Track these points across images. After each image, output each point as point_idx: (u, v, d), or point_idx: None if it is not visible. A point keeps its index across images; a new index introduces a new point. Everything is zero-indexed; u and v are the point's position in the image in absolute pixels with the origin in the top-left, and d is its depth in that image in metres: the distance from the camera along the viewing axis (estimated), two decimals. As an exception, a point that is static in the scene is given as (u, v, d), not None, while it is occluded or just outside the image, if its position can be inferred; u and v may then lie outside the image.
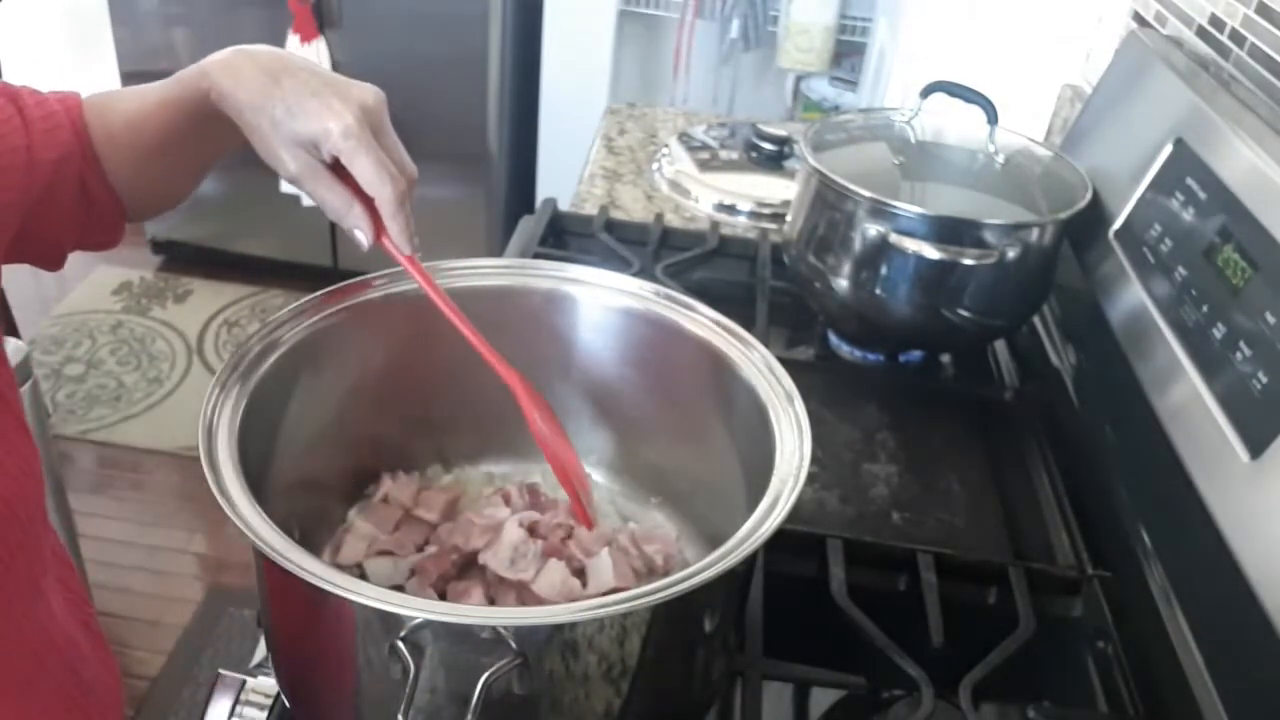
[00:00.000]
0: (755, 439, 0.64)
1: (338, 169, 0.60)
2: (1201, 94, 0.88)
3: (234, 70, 0.60)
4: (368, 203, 0.61)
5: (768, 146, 1.45)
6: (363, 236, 0.62)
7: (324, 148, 0.59)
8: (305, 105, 0.58)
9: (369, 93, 0.60)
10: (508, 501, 0.72)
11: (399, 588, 0.68)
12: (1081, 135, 1.10)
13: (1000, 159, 1.02)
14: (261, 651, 0.68)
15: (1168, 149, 0.89)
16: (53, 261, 0.70)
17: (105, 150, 0.65)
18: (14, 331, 1.80)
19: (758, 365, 0.68)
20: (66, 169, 0.64)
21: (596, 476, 0.80)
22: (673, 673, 0.60)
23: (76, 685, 0.69)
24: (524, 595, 0.66)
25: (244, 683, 0.66)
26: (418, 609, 0.51)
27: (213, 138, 0.66)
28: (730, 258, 1.20)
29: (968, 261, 0.92)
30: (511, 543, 0.67)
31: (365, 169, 0.59)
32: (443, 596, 0.68)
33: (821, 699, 0.73)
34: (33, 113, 0.63)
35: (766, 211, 1.34)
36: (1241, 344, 0.70)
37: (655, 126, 1.64)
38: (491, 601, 0.67)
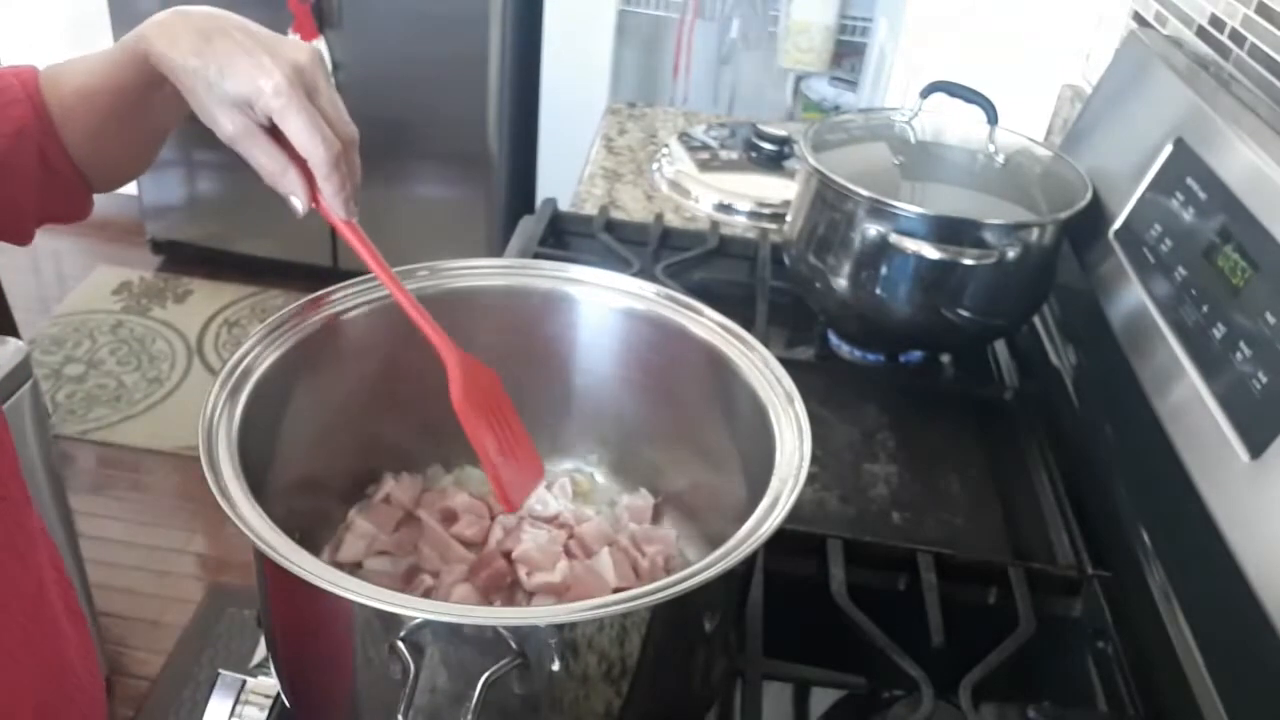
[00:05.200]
0: (755, 439, 0.64)
1: (275, 133, 0.60)
2: (1201, 94, 0.88)
3: (168, 31, 0.60)
4: (304, 167, 0.61)
5: (768, 146, 1.45)
6: (298, 202, 0.62)
7: (256, 107, 0.58)
8: (237, 64, 0.58)
9: (303, 51, 0.60)
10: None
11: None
12: (1081, 135, 1.10)
13: (1000, 159, 1.02)
14: (261, 651, 0.68)
15: (1168, 149, 0.89)
16: (19, 235, 0.69)
17: (62, 121, 0.65)
18: (14, 331, 1.80)
19: (758, 365, 0.67)
20: (24, 144, 0.64)
21: (598, 476, 0.80)
22: (673, 673, 0.60)
23: (59, 663, 0.69)
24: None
25: (244, 683, 0.66)
26: (418, 609, 0.51)
27: (162, 102, 0.65)
28: (730, 258, 1.20)
29: (968, 261, 0.92)
30: (538, 544, 0.67)
31: (297, 129, 0.58)
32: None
33: (821, 699, 0.73)
34: None
35: (766, 211, 1.34)
36: (1241, 344, 0.70)
37: (655, 126, 1.64)
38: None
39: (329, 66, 0.61)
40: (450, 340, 0.66)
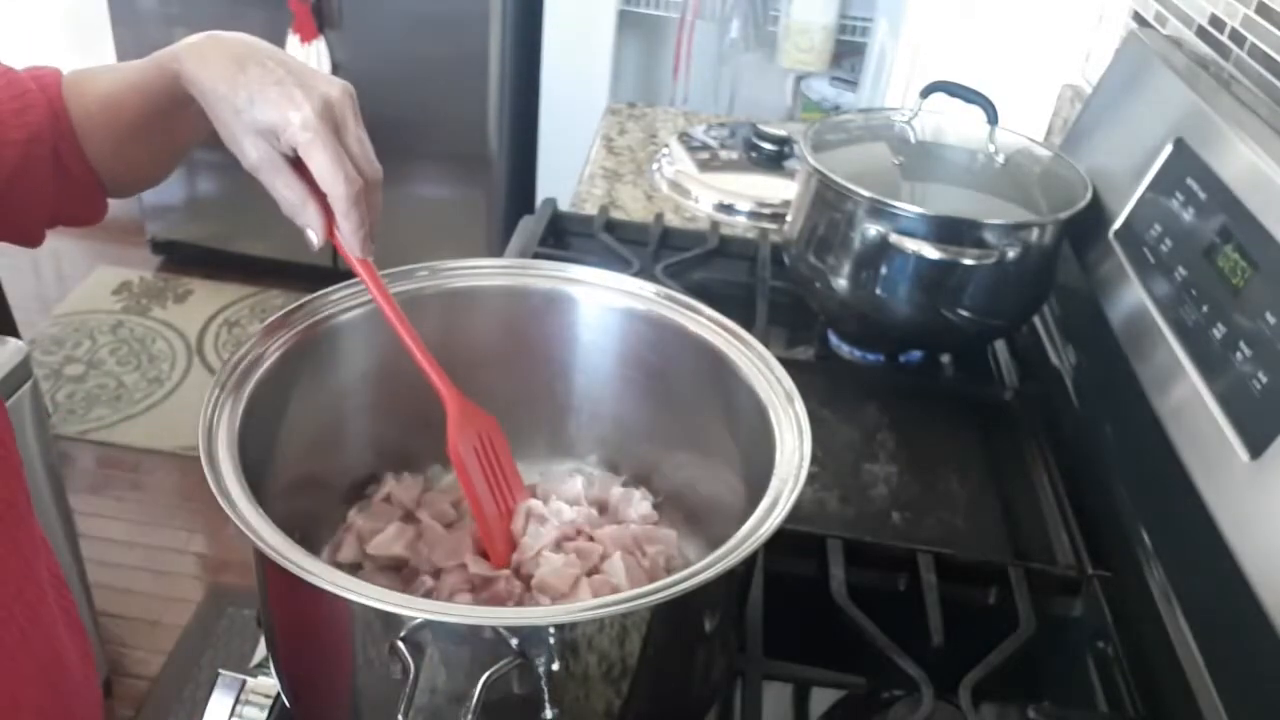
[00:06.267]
0: (755, 439, 0.64)
1: (297, 165, 0.60)
2: (1201, 94, 0.88)
3: (202, 55, 0.60)
4: (323, 202, 0.61)
5: (768, 146, 1.45)
6: (314, 235, 0.62)
7: (283, 138, 0.58)
8: (267, 94, 0.58)
9: (335, 87, 0.59)
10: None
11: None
12: (1081, 135, 1.10)
13: (1000, 159, 1.02)
14: (261, 651, 0.68)
15: (1168, 149, 0.89)
16: (29, 238, 0.69)
17: (84, 128, 0.65)
18: (14, 331, 1.80)
19: (758, 365, 0.67)
20: (36, 150, 0.64)
21: (597, 476, 0.80)
22: (673, 673, 0.60)
23: (57, 666, 0.69)
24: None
25: (244, 683, 0.66)
26: (418, 609, 0.51)
27: (187, 120, 0.65)
28: (730, 258, 1.20)
29: (968, 261, 0.92)
30: (555, 569, 0.67)
31: (320, 163, 0.58)
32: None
33: (821, 699, 0.73)
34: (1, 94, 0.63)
35: (766, 211, 1.34)
36: (1241, 344, 0.70)
37: (655, 126, 1.64)
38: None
39: (356, 100, 0.61)
40: (452, 384, 0.66)
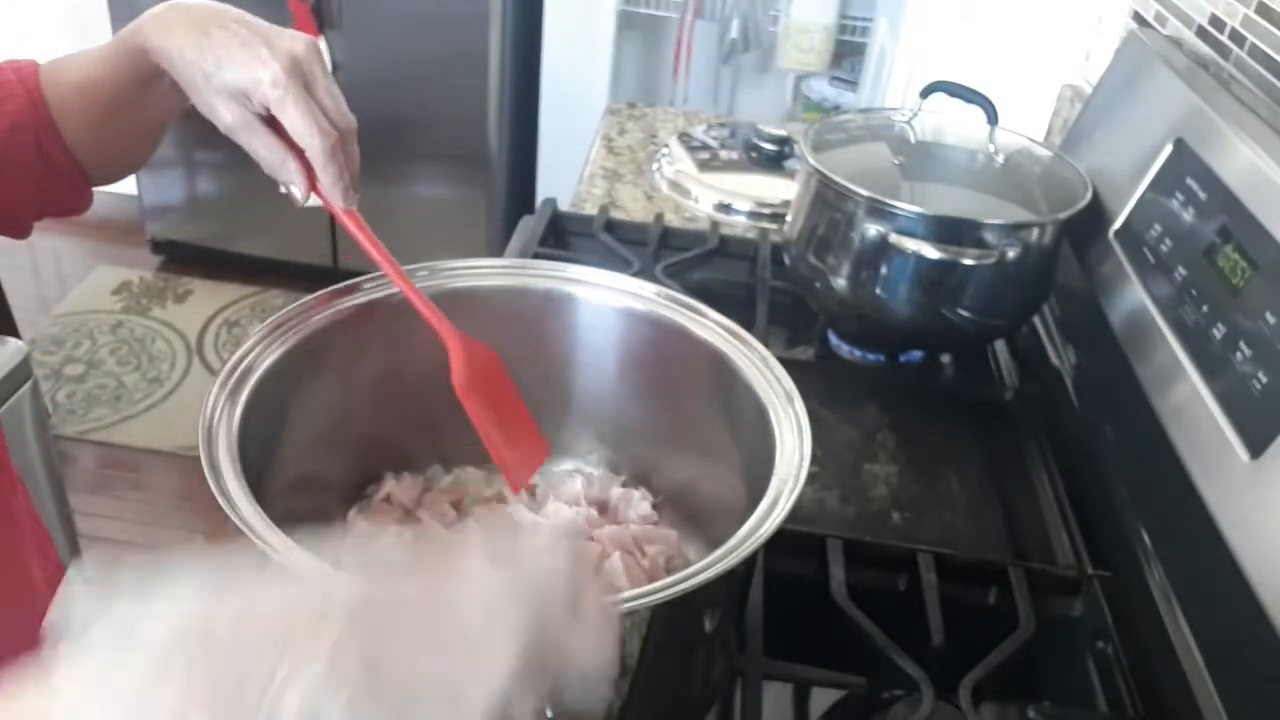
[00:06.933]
0: (755, 439, 0.64)
1: (274, 124, 0.60)
2: (1201, 94, 0.88)
3: (166, 24, 0.60)
4: (303, 158, 0.61)
5: (768, 146, 1.45)
6: (297, 192, 0.62)
7: (254, 98, 0.59)
8: (234, 56, 0.58)
9: (300, 42, 0.60)
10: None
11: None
12: (1081, 135, 1.10)
13: (1000, 159, 1.02)
14: (261, 651, 0.68)
15: (1168, 149, 0.89)
16: (16, 229, 0.70)
17: (61, 116, 0.66)
18: (14, 331, 1.80)
19: (758, 365, 0.68)
20: (19, 138, 0.64)
21: (597, 476, 0.80)
22: (673, 673, 0.60)
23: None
24: None
25: (244, 683, 0.66)
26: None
27: (160, 95, 0.66)
28: (730, 258, 1.20)
29: (968, 261, 0.92)
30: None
31: (294, 119, 0.58)
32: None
33: (821, 699, 0.73)
34: None
35: (766, 211, 1.34)
36: (1241, 344, 0.70)
37: (655, 126, 1.64)
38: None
39: (328, 62, 0.61)
40: (450, 323, 0.66)
